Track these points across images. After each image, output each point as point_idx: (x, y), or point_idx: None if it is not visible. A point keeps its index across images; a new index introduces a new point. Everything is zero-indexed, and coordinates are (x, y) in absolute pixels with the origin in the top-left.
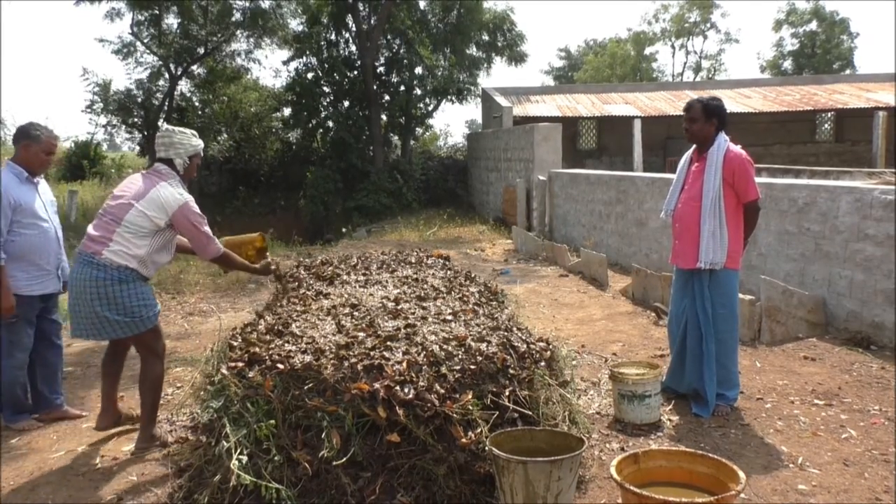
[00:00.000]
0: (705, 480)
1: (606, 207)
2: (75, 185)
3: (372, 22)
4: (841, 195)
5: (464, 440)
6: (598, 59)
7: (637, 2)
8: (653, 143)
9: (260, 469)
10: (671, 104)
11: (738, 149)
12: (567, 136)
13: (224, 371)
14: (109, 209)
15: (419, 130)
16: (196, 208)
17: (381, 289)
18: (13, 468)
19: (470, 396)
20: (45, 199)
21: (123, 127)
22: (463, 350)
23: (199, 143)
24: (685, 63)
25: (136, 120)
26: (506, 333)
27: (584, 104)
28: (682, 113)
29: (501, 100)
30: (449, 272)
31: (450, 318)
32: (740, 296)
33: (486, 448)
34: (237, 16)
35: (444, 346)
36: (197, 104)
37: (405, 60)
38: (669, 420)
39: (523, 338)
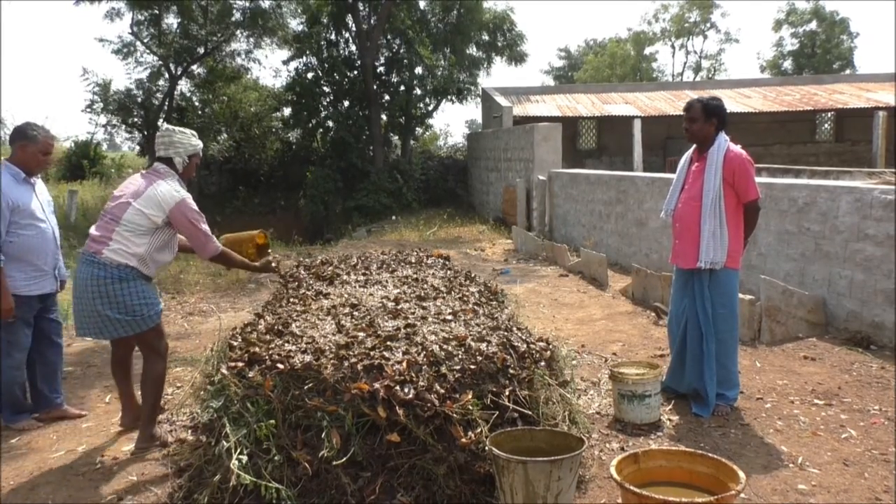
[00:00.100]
0: (705, 480)
1: (606, 207)
2: (75, 184)
3: (372, 22)
4: (841, 195)
5: (464, 440)
6: (598, 58)
7: (637, 2)
8: (653, 143)
9: (260, 469)
10: (671, 104)
11: (738, 149)
12: (567, 136)
13: (224, 371)
14: (109, 209)
15: (419, 130)
16: (193, 205)
17: (381, 289)
18: (13, 468)
19: (470, 396)
20: (42, 199)
21: (123, 127)
22: (463, 350)
23: (199, 143)
24: (685, 63)
25: (135, 120)
26: (506, 333)
27: (584, 104)
28: (682, 113)
29: (501, 100)
30: (449, 272)
31: (450, 317)
32: (740, 296)
33: (486, 448)
34: (237, 15)
35: (444, 346)
36: (197, 104)
37: (405, 60)
38: (669, 420)
39: (523, 338)
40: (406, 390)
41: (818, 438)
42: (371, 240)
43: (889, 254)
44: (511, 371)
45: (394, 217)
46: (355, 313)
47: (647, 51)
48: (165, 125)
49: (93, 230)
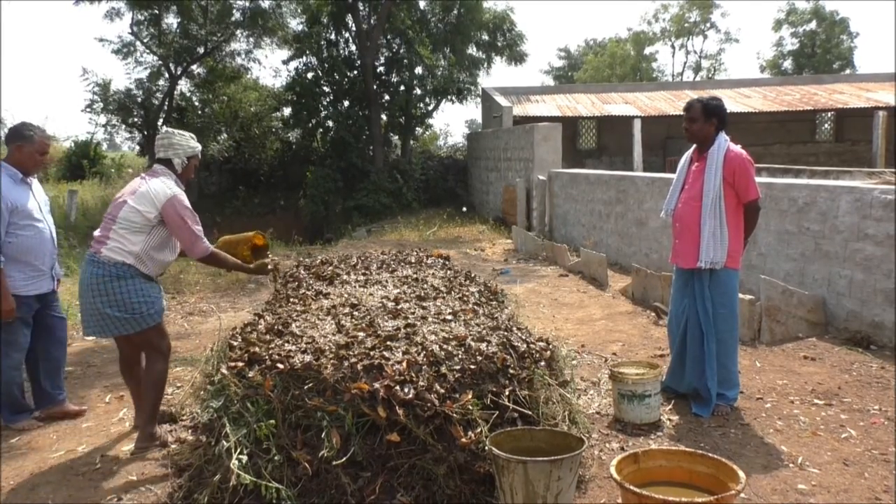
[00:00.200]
0: (705, 480)
1: (606, 207)
2: (75, 184)
3: (372, 22)
4: (841, 195)
5: (464, 440)
6: (597, 58)
7: (637, 2)
8: (653, 143)
9: (260, 469)
10: (671, 104)
11: (738, 148)
12: (567, 136)
13: (224, 371)
14: (109, 210)
15: (419, 130)
16: (186, 204)
17: (381, 288)
18: (13, 468)
19: (470, 396)
20: (39, 199)
21: (123, 126)
22: (463, 350)
23: (198, 146)
24: (685, 63)
25: (135, 119)
26: (506, 333)
27: (584, 104)
28: (682, 113)
29: (501, 99)
30: (449, 272)
31: (450, 317)
32: (740, 295)
33: (486, 448)
34: (237, 15)
35: (444, 346)
36: (197, 104)
37: (405, 60)
38: (669, 420)
39: (523, 337)
40: (406, 390)
41: (818, 438)
42: (371, 240)
43: (889, 253)
44: (511, 371)
45: (399, 218)
46: (355, 313)
47: (647, 51)
48: (165, 128)
49: (96, 232)
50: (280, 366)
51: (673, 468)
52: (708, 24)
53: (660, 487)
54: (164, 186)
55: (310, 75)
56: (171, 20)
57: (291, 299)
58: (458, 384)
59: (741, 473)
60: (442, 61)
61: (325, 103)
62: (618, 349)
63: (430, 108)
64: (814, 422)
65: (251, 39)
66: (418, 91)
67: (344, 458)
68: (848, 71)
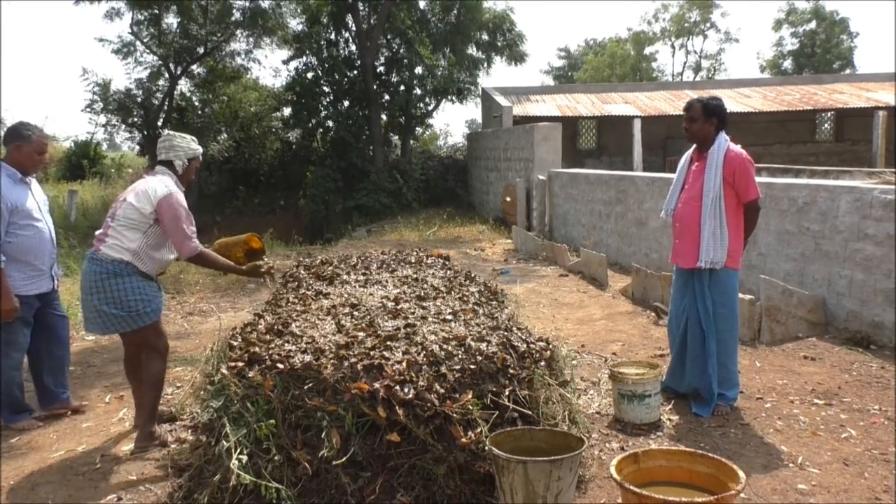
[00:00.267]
0: (705, 480)
1: (606, 207)
2: (75, 184)
3: (372, 22)
4: (841, 195)
5: (464, 440)
6: (597, 58)
7: (637, 1)
8: (653, 143)
9: (260, 469)
10: (671, 104)
11: (738, 148)
12: (567, 136)
13: (224, 371)
14: (110, 210)
15: (419, 130)
16: (182, 203)
17: (381, 288)
18: (13, 467)
19: (470, 396)
20: (38, 198)
21: (123, 126)
22: (463, 350)
23: (199, 148)
24: (685, 63)
25: (135, 119)
26: (506, 333)
27: (584, 104)
28: (681, 113)
29: (501, 99)
30: (449, 272)
31: (450, 317)
32: (740, 295)
33: (486, 448)
34: (237, 15)
35: (444, 346)
36: (197, 104)
37: (405, 60)
38: (669, 420)
39: (523, 337)
40: (406, 390)
41: (818, 438)
42: (371, 240)
43: (889, 253)
44: (511, 371)
45: (399, 218)
46: (355, 313)
47: (647, 51)
48: (167, 131)
49: (97, 231)
50: (280, 366)
51: (673, 468)
52: (708, 24)
53: (660, 487)
54: (161, 185)
55: (310, 75)
56: (171, 20)
57: (291, 299)
58: (458, 384)
59: (741, 473)
60: (442, 61)
61: (325, 103)
62: (618, 349)
63: (430, 108)
64: (814, 422)
65: (251, 39)
66: (418, 91)
67: (344, 458)
68: (848, 71)
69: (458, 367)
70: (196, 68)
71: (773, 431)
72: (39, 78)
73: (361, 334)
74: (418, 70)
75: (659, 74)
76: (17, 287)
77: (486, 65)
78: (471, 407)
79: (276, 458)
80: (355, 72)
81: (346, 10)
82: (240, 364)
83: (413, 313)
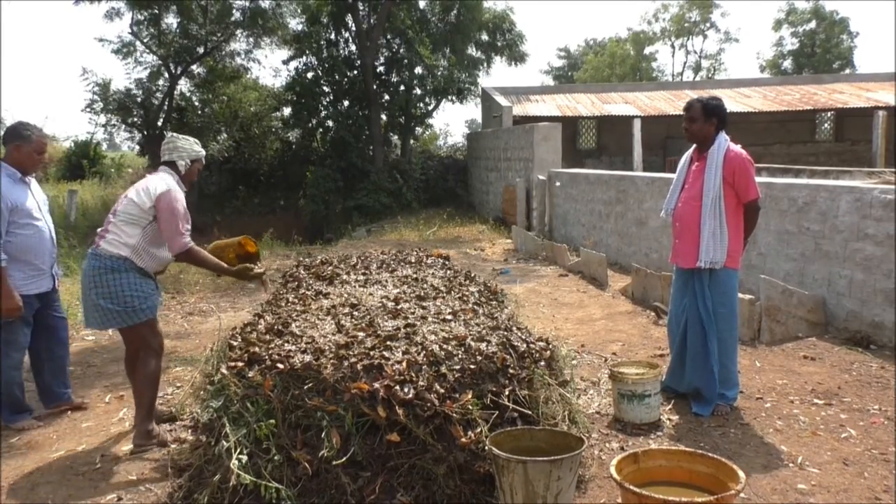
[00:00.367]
0: (705, 480)
1: (606, 207)
2: (75, 184)
3: (372, 21)
4: (841, 195)
5: (463, 440)
6: (597, 58)
7: (637, 1)
8: (653, 143)
9: (260, 469)
10: (671, 104)
11: (738, 148)
12: (567, 136)
13: (224, 371)
14: (113, 207)
15: (419, 130)
16: (181, 201)
17: (381, 288)
18: (13, 467)
19: (470, 396)
20: (38, 198)
21: (123, 126)
22: (463, 350)
23: (201, 151)
24: (685, 63)
25: (135, 119)
26: (505, 333)
27: (584, 104)
28: (681, 112)
29: (501, 99)
30: (449, 272)
31: (449, 317)
32: (740, 295)
33: (486, 448)
34: (237, 15)
35: (444, 346)
36: (197, 104)
37: (405, 60)
38: (669, 419)
39: (523, 337)
40: (406, 390)
41: (818, 438)
42: (371, 239)
43: (889, 253)
44: (511, 371)
45: (399, 218)
46: (355, 313)
47: (647, 50)
48: (171, 133)
49: (99, 229)
50: (280, 366)
51: (673, 468)
52: (708, 24)
53: (660, 487)
54: (162, 182)
55: (310, 75)
56: (171, 20)
57: (291, 299)
58: (457, 384)
59: (741, 473)
60: (442, 61)
61: (325, 103)
62: (618, 349)
63: (430, 108)
64: (813, 421)
65: (251, 39)
66: (418, 91)
67: (344, 458)
68: (848, 71)
69: (457, 366)
70: (196, 68)
71: (773, 431)
72: (39, 78)
73: (361, 334)
74: (418, 70)
75: (659, 74)
76: (17, 287)
77: (486, 65)
78: (471, 407)
79: (275, 458)
80: (355, 72)
81: (346, 10)
82: (240, 364)
83: (413, 313)
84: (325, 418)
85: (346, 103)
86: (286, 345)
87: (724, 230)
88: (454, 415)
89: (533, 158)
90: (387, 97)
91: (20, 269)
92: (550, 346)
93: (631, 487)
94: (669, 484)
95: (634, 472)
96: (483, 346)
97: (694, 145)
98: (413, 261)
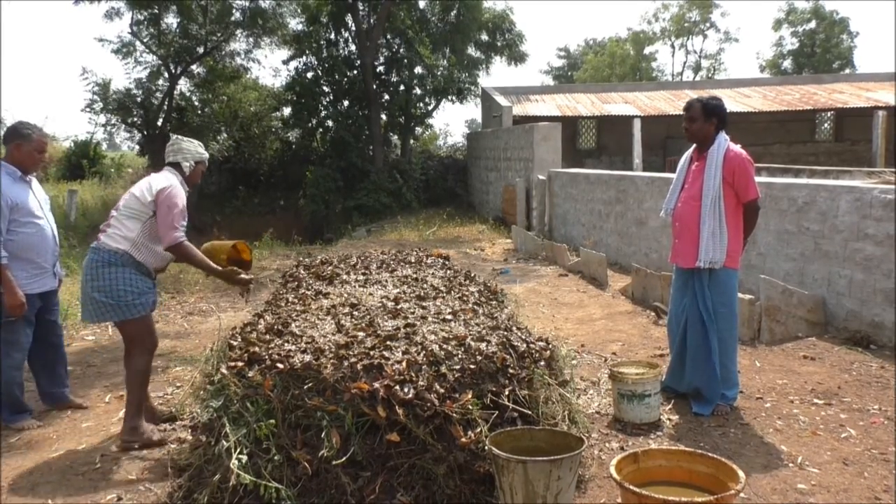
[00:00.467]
0: (705, 480)
1: (606, 207)
2: (75, 184)
3: (371, 21)
4: (840, 194)
5: (463, 440)
6: (597, 58)
7: (637, 1)
8: (652, 143)
9: (259, 468)
10: (671, 104)
11: (738, 148)
12: (567, 136)
13: (224, 370)
14: (116, 204)
15: (419, 130)
16: (181, 197)
17: (381, 288)
18: (13, 467)
19: (469, 396)
20: (39, 197)
21: (123, 126)
22: (462, 349)
23: (205, 154)
24: (685, 62)
25: (135, 119)
26: (505, 333)
27: (584, 104)
28: (681, 112)
29: (501, 99)
30: (448, 272)
31: (449, 317)
32: (740, 295)
33: (486, 447)
34: (237, 15)
35: (444, 346)
36: (196, 103)
37: (405, 60)
38: (669, 419)
39: (523, 337)
40: (406, 390)
41: (818, 438)
42: (371, 239)
43: (889, 253)
44: (511, 371)
45: (398, 218)
46: (355, 313)
47: (647, 50)
48: (175, 136)
49: (102, 224)
50: (280, 365)
51: (672, 468)
52: (708, 24)
53: (659, 487)
54: (164, 179)
55: (309, 75)
56: (171, 20)
57: (291, 299)
58: (457, 384)
59: (741, 473)
60: (442, 61)
61: (324, 103)
62: (617, 349)
63: (430, 107)
64: (813, 421)
65: (251, 39)
66: (418, 91)
67: (344, 458)
68: (848, 71)
69: (457, 366)
70: (196, 68)
71: (773, 431)
72: (39, 78)
73: (361, 334)
74: (418, 70)
75: (659, 74)
76: (20, 286)
77: (485, 65)
78: (470, 407)
79: (275, 457)
80: (355, 72)
81: (345, 10)
82: (240, 364)
83: (413, 313)
84: (325, 418)
85: (345, 103)
86: (286, 345)
87: (723, 230)
88: (454, 415)
89: (533, 158)
90: (387, 97)
91: (23, 267)
92: (550, 346)
93: (631, 487)
94: (669, 484)
95: (634, 471)
96: (483, 345)
97: (694, 145)
98: (413, 261)
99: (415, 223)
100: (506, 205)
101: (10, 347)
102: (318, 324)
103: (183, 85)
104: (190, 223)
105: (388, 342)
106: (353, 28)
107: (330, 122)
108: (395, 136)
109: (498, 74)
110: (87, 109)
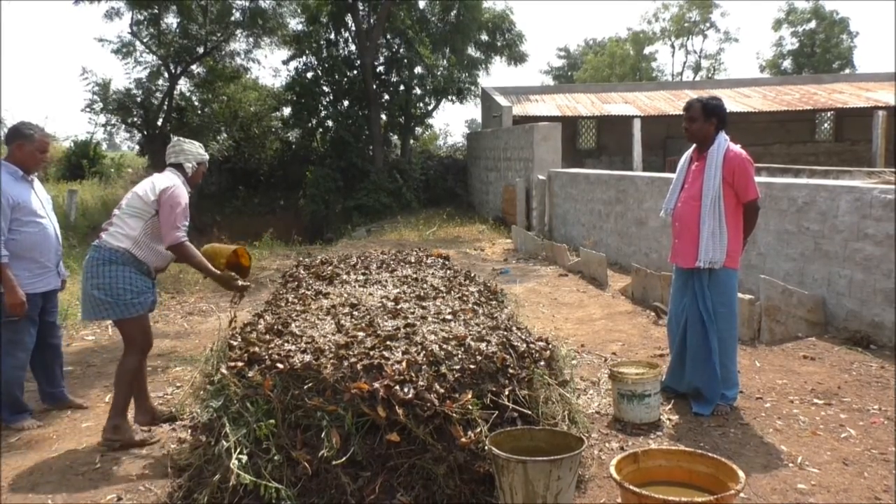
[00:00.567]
0: (705, 480)
1: (606, 207)
2: (75, 184)
3: (371, 21)
4: (840, 194)
5: (463, 440)
6: (597, 58)
7: (637, 1)
8: (652, 143)
9: (259, 468)
10: (671, 104)
11: (737, 148)
12: (567, 136)
13: (224, 371)
14: (119, 203)
15: (419, 130)
16: (184, 197)
17: (381, 288)
18: (13, 467)
19: (469, 396)
20: (41, 196)
21: (123, 126)
22: (462, 349)
23: (206, 155)
24: (685, 62)
25: (135, 119)
26: (505, 333)
27: (584, 104)
28: (681, 112)
29: (501, 99)
30: (448, 272)
31: (449, 317)
32: (740, 295)
33: (486, 447)
34: (237, 15)
35: (444, 346)
36: (196, 104)
37: (405, 60)
38: (669, 419)
39: (523, 337)
40: (406, 390)
41: (818, 438)
42: (371, 239)
43: (888, 253)
44: (511, 371)
45: (398, 217)
46: (355, 313)
47: (647, 50)
48: (176, 137)
49: (104, 223)
50: (280, 365)
51: (672, 468)
52: (708, 24)
53: (659, 487)
54: (168, 179)
55: (309, 75)
56: (171, 20)
57: (291, 299)
58: (457, 384)
59: (741, 473)
60: (442, 61)
61: (324, 103)
62: (617, 349)
63: (430, 107)
64: (813, 421)
65: (251, 39)
66: (418, 91)
67: (344, 458)
68: (848, 71)
69: (457, 366)
70: (196, 68)
71: (773, 431)
72: (39, 78)
73: (361, 334)
74: (418, 70)
75: (659, 74)
76: (23, 285)
77: (485, 65)
78: (470, 407)
79: (275, 457)
80: (355, 72)
81: (345, 10)
82: (239, 364)
83: (413, 313)
84: (324, 418)
85: (345, 103)
86: (286, 345)
87: (723, 230)
88: (454, 415)
89: (533, 158)
90: (387, 97)
91: (26, 266)
92: (550, 346)
93: (631, 487)
94: (669, 484)
95: (634, 471)
96: (483, 345)
97: (694, 145)
98: (413, 261)
99: (415, 223)
100: (506, 205)
101: (15, 347)
102: (318, 324)
103: (183, 85)
104: (190, 223)
105: (388, 342)
106: (353, 28)
107: (330, 122)
108: (395, 136)
109: (498, 74)
110: (87, 109)
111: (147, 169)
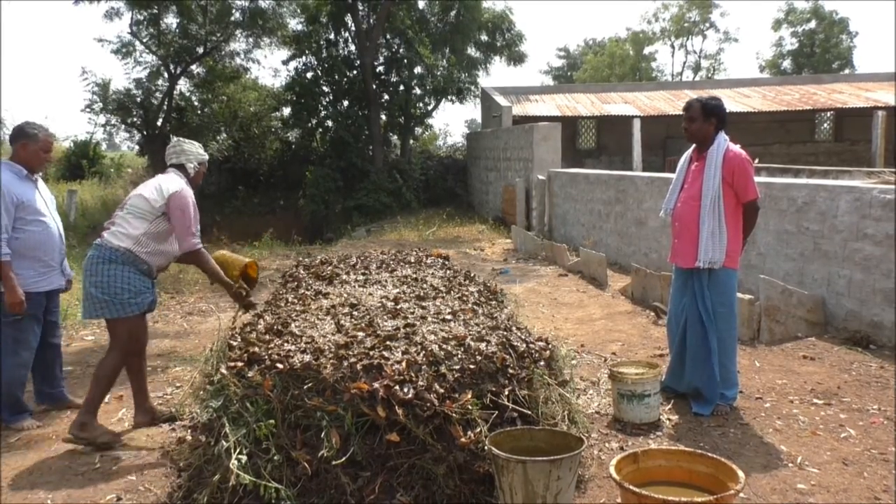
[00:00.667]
0: (704, 480)
1: (606, 207)
2: (74, 184)
3: (371, 21)
4: (840, 194)
5: (463, 440)
6: (597, 58)
7: (637, 1)
8: (652, 143)
9: (259, 469)
10: (670, 104)
11: (737, 148)
12: (566, 136)
13: (223, 371)
14: (121, 203)
15: (419, 130)
16: (191, 200)
17: (381, 288)
18: (13, 467)
19: (469, 396)
20: (45, 196)
21: (122, 126)
22: (462, 350)
23: (206, 155)
24: (684, 62)
25: (135, 119)
26: (505, 333)
27: (584, 104)
28: (681, 112)
29: (501, 99)
30: (448, 272)
31: (449, 317)
32: (739, 295)
33: (486, 447)
34: (236, 15)
35: (444, 346)
36: (196, 104)
37: (405, 60)
38: (669, 419)
39: (522, 337)
40: (405, 390)
41: (817, 438)
42: (371, 239)
43: (888, 253)
44: (510, 371)
45: (398, 218)
46: (355, 313)
47: (647, 50)
48: (176, 138)
49: (106, 222)
50: (279, 366)
51: (672, 468)
52: (707, 24)
53: (659, 487)
54: (174, 182)
55: (309, 75)
56: (171, 20)
57: (291, 299)
58: (457, 384)
59: (740, 473)
60: (442, 61)
61: (324, 103)
62: (617, 349)
63: (430, 107)
64: (813, 421)
65: (251, 39)
66: (418, 91)
67: (343, 458)
68: (847, 71)
69: (457, 366)
70: (195, 68)
71: (773, 431)
72: (39, 78)
73: (361, 334)
74: (418, 70)
75: (658, 74)
76: (28, 284)
77: (485, 65)
78: (470, 407)
79: (275, 457)
80: (355, 72)
81: (345, 10)
82: (239, 364)
83: (412, 313)
84: (324, 418)
85: (345, 103)
86: (286, 345)
87: (723, 230)
88: (454, 415)
89: (532, 158)
90: (386, 97)
91: (30, 265)
92: (550, 346)
93: (630, 487)
94: (669, 484)
95: (634, 471)
96: (483, 345)
97: (693, 145)
98: (413, 261)
99: (414, 223)
100: (505, 205)
101: (19, 346)
102: (318, 324)
103: (182, 85)
104: None
105: (388, 342)
106: (353, 28)
107: (330, 122)
108: (395, 136)
109: (498, 74)
110: (87, 109)
111: (147, 169)
